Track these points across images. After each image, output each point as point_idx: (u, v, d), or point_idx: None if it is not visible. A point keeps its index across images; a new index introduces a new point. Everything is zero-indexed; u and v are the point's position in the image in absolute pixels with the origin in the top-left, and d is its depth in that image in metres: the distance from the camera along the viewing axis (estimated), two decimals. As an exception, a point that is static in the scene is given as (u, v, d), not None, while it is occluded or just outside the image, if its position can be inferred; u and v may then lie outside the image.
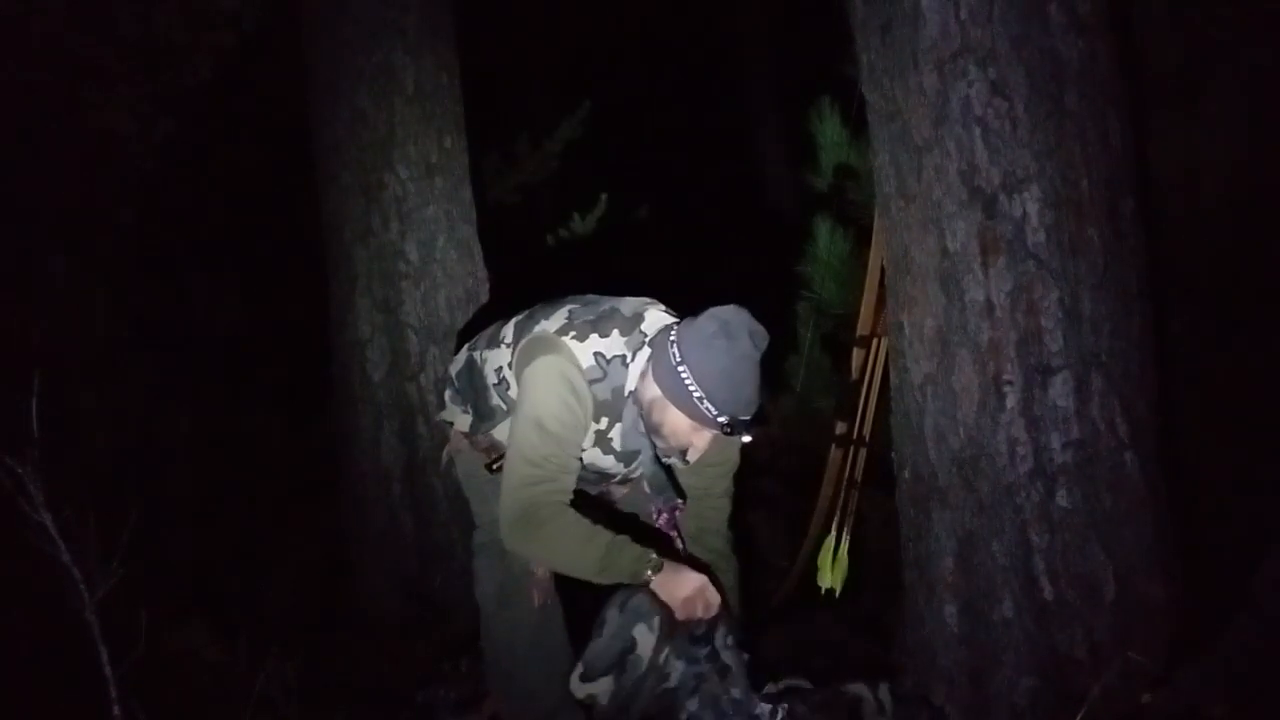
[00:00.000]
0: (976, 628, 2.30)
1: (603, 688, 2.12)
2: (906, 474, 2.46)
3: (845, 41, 2.57)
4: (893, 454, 2.53)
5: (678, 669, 2.13)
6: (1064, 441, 2.23)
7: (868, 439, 3.08)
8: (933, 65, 2.27)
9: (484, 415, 2.35)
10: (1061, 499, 2.23)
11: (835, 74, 3.22)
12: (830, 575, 3.04)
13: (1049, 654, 2.23)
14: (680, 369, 2.08)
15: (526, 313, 2.32)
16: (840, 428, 3.13)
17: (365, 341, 3.63)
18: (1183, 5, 3.07)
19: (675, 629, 2.12)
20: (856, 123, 3.18)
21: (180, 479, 4.32)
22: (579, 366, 2.16)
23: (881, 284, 2.68)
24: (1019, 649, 2.25)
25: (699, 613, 2.14)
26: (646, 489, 2.40)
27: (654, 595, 2.12)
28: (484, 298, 3.71)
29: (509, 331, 2.30)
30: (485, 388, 2.33)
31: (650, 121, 8.16)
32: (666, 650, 2.11)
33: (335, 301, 3.74)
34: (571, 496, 2.17)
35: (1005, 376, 2.25)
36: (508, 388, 2.27)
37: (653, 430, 2.18)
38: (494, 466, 2.33)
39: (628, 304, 2.26)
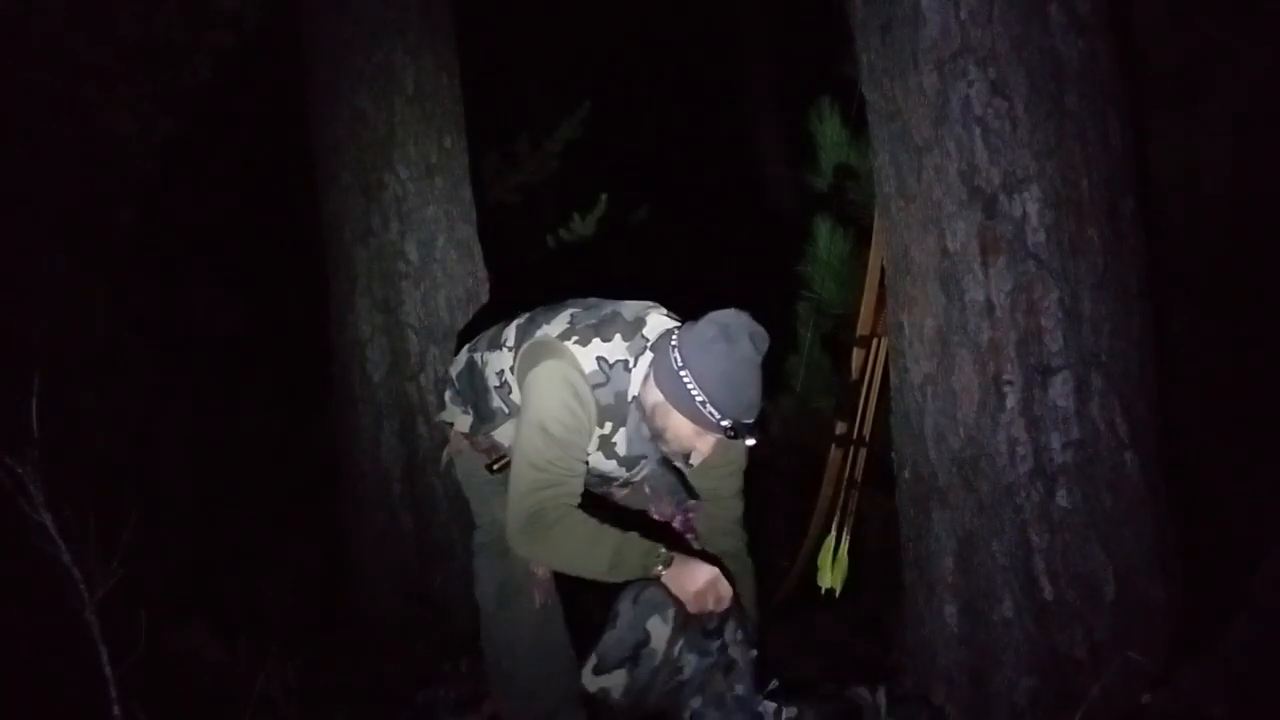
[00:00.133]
0: (976, 628, 2.30)
1: (616, 681, 2.12)
2: (906, 474, 2.46)
3: (845, 41, 2.57)
4: (893, 454, 2.53)
5: (690, 662, 2.14)
6: (1064, 441, 2.23)
7: (868, 439, 3.08)
8: (933, 65, 2.27)
9: (485, 417, 2.35)
10: (1061, 499, 2.23)
11: (835, 74, 3.22)
12: (830, 575, 3.04)
13: (1049, 654, 2.23)
14: (682, 373, 2.08)
15: (527, 316, 2.31)
16: (840, 428, 3.13)
17: (365, 341, 3.63)
18: (1183, 5, 3.07)
19: (688, 622, 2.13)
20: (856, 123, 3.18)
21: (180, 479, 4.32)
22: (582, 371, 2.15)
23: (881, 284, 2.68)
24: (1019, 649, 2.25)
25: (710, 605, 2.14)
26: (647, 491, 2.41)
27: (666, 589, 2.13)
28: (484, 298, 3.71)
29: (510, 334, 2.30)
30: (486, 390, 2.33)
31: (650, 121, 8.16)
32: (680, 643, 2.12)
33: (335, 301, 3.74)
34: (578, 500, 2.17)
35: (1005, 376, 2.25)
36: (509, 390, 2.27)
37: (656, 435, 2.18)
38: (494, 467, 2.33)
39: (629, 308, 2.26)
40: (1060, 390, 2.23)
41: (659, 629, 2.11)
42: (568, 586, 2.33)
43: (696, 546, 2.32)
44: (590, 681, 2.15)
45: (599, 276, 2.49)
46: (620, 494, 2.45)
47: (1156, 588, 2.24)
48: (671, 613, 2.11)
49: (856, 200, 3.44)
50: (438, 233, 3.64)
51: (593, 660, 2.15)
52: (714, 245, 6.65)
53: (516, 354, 2.24)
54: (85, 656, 2.05)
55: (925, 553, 2.40)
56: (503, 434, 2.33)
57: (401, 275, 3.61)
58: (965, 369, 2.29)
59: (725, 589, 2.16)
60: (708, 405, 2.07)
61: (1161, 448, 2.31)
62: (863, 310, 3.05)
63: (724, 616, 2.17)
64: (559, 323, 2.22)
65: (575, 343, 2.17)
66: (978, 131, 2.25)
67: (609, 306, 2.26)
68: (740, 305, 2.15)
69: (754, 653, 2.21)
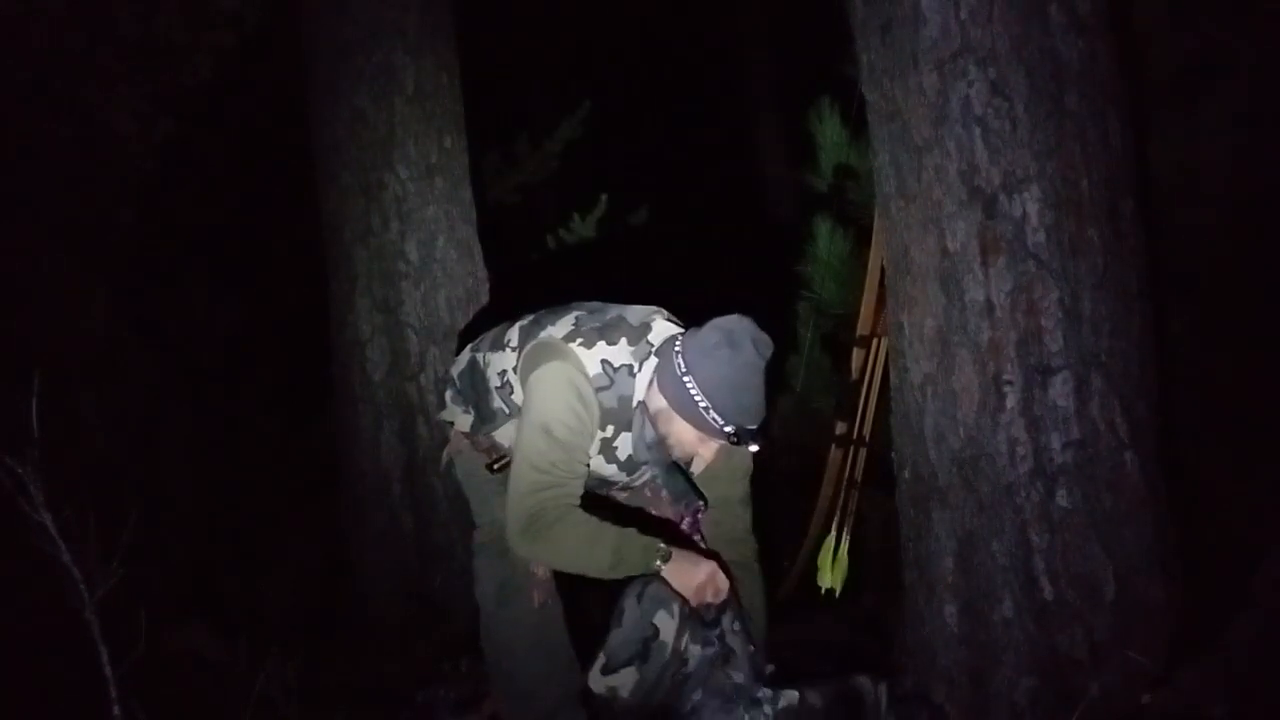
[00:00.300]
0: (976, 628, 2.30)
1: (625, 679, 2.12)
2: (906, 474, 2.46)
3: (845, 41, 2.57)
4: (893, 454, 2.53)
5: (695, 654, 2.15)
6: (1064, 441, 2.22)
7: (868, 439, 3.08)
8: (933, 65, 2.27)
9: (486, 417, 2.35)
10: (1061, 499, 2.23)
11: (835, 74, 3.23)
12: (830, 575, 3.04)
13: (1049, 654, 2.22)
14: (685, 379, 2.08)
15: (531, 317, 2.30)
16: (840, 428, 3.13)
17: (365, 341, 3.63)
18: (1183, 5, 3.07)
19: (690, 615, 2.14)
20: (856, 123, 3.18)
21: (180, 479, 4.32)
22: (586, 373, 2.15)
23: (881, 284, 2.68)
24: (1019, 649, 2.25)
25: (709, 598, 2.16)
26: (648, 494, 2.41)
27: (667, 583, 2.13)
28: (484, 298, 3.71)
29: (514, 335, 2.29)
30: (488, 390, 2.32)
31: (650, 121, 8.17)
32: (686, 636, 2.12)
33: (335, 301, 3.74)
34: (579, 502, 2.17)
35: (1005, 376, 2.25)
36: (511, 391, 2.27)
37: (660, 440, 2.18)
38: (494, 467, 2.33)
39: (634, 313, 2.25)
40: (1060, 390, 2.23)
41: (666, 623, 2.12)
42: (568, 586, 2.33)
43: (704, 548, 2.31)
44: (598, 682, 2.14)
45: (599, 276, 2.49)
46: (620, 498, 2.45)
47: (1156, 588, 2.24)
48: (677, 606, 2.12)
49: (856, 200, 3.44)
50: (438, 233, 3.65)
51: (601, 660, 2.15)
52: (714, 245, 6.65)
53: (520, 355, 2.24)
54: (85, 656, 2.05)
55: (925, 553, 2.40)
56: (503, 434, 2.32)
57: (401, 275, 3.61)
58: (965, 369, 2.29)
59: (723, 581, 2.17)
60: (711, 411, 2.07)
61: (1161, 448, 2.31)
62: (863, 310, 3.05)
63: (721, 607, 2.19)
64: (564, 324, 2.22)
65: (580, 345, 2.17)
66: (978, 131, 2.25)
67: (614, 310, 2.25)
68: (740, 306, 2.15)
69: (752, 648, 2.22)
